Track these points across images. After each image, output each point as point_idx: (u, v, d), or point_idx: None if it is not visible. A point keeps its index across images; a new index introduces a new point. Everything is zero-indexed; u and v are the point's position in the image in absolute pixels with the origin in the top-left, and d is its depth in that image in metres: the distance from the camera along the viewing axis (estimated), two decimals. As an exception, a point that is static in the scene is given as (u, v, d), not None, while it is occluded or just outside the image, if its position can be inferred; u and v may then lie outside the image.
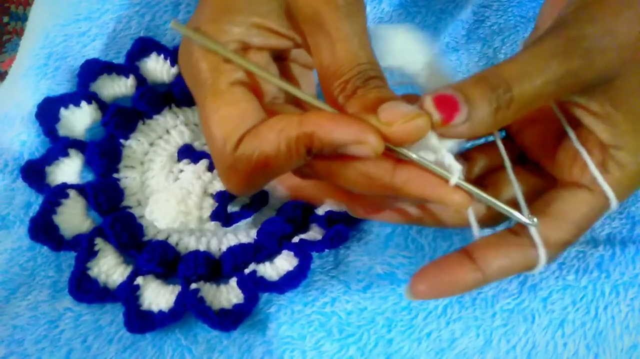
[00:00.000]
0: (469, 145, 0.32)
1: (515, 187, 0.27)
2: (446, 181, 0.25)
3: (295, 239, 0.35)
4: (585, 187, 0.27)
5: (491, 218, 0.29)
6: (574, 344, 0.30)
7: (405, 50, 0.28)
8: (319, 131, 0.24)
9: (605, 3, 0.26)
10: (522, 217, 0.27)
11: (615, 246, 0.32)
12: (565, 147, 0.29)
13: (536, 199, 0.28)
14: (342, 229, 0.34)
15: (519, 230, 0.27)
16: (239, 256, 0.34)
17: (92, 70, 0.39)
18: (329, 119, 0.24)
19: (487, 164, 0.31)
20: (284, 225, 0.35)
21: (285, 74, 0.31)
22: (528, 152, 0.31)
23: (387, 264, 0.33)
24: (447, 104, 0.24)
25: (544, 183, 0.30)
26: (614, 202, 0.27)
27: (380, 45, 0.28)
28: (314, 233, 0.35)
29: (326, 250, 0.35)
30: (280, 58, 0.31)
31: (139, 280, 0.34)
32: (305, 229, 0.35)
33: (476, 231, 0.27)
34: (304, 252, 0.34)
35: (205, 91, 0.26)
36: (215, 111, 0.26)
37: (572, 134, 0.28)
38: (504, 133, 0.32)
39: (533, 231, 0.27)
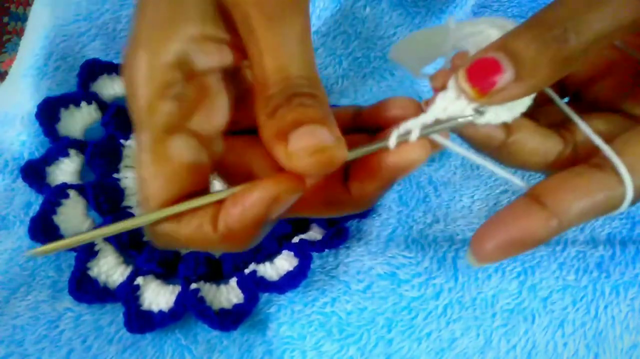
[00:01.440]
0: None
1: (580, 124, 0.24)
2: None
3: (295, 239, 0.35)
4: None
5: (568, 161, 0.25)
6: (574, 344, 0.30)
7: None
8: (233, 217, 0.21)
9: None
10: (516, 179, 0.24)
11: (615, 246, 0.32)
12: None
13: (626, 133, 0.24)
14: (342, 229, 0.34)
15: (601, 162, 0.22)
16: (239, 256, 0.34)
17: (92, 70, 0.39)
18: (234, 204, 0.21)
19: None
20: (284, 225, 0.35)
21: (242, 88, 0.26)
22: (603, 106, 0.27)
23: (387, 265, 0.33)
24: (485, 70, 0.21)
25: (628, 121, 0.26)
26: None
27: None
28: (314, 233, 0.35)
29: (326, 250, 0.35)
30: (233, 72, 0.25)
31: (139, 280, 0.34)
32: (305, 229, 0.35)
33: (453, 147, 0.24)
34: (304, 252, 0.34)
35: (139, 132, 0.22)
36: (146, 159, 0.22)
37: None
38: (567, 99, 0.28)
39: (616, 160, 0.22)
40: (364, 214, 0.36)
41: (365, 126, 0.25)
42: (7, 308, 0.34)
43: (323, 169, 0.21)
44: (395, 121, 0.23)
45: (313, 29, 0.41)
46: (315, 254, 0.35)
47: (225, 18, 0.23)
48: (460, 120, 0.22)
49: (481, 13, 0.44)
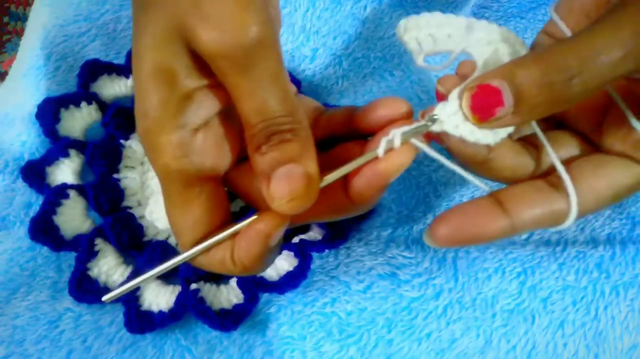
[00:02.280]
0: None
1: (548, 149, 0.26)
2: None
3: (295, 239, 0.35)
4: (638, 161, 0.26)
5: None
6: (574, 344, 0.30)
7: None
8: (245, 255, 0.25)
9: None
10: (483, 185, 0.27)
11: (615, 247, 0.32)
12: (616, 122, 0.27)
13: (585, 157, 0.27)
14: (342, 229, 0.34)
15: (557, 182, 0.26)
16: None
17: (92, 70, 0.39)
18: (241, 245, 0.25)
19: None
20: (284, 225, 0.35)
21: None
22: (568, 122, 0.29)
23: (387, 265, 0.33)
24: (488, 100, 0.23)
25: (590, 147, 0.28)
26: None
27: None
28: (314, 233, 0.35)
29: (326, 250, 0.35)
30: (229, 109, 0.27)
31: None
32: (305, 230, 0.35)
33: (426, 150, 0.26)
34: (304, 252, 0.34)
35: (161, 184, 0.26)
36: (173, 210, 0.26)
37: (631, 116, 0.26)
38: None
39: (569, 183, 0.25)
40: (364, 215, 0.36)
41: (359, 126, 0.27)
42: (7, 308, 0.34)
43: (298, 209, 0.23)
44: (386, 120, 0.26)
45: (313, 29, 0.41)
46: (315, 255, 0.35)
47: (201, 63, 0.24)
48: (420, 126, 0.25)
49: (481, 13, 0.44)
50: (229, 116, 0.26)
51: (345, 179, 0.25)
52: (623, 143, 0.27)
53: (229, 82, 0.24)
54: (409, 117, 0.26)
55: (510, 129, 0.26)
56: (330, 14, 0.41)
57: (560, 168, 0.25)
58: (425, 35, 0.27)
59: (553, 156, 0.26)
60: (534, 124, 0.27)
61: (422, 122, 0.25)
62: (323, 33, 0.41)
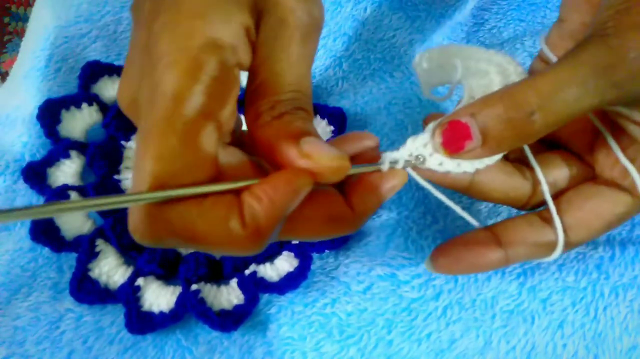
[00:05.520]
0: None
1: (540, 176, 0.28)
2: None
3: (296, 240, 0.35)
4: (626, 191, 0.28)
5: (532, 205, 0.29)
6: (573, 345, 0.31)
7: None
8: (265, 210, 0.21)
9: None
10: (472, 220, 0.29)
11: (614, 248, 0.32)
12: (605, 147, 0.29)
13: (575, 187, 0.29)
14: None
15: (549, 216, 0.28)
16: (240, 257, 0.35)
17: (93, 71, 0.39)
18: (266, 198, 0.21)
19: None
20: (285, 226, 0.35)
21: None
22: (563, 143, 0.31)
23: (387, 266, 0.33)
24: (457, 135, 0.24)
25: (583, 168, 0.30)
26: None
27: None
28: (315, 234, 0.35)
29: (326, 251, 0.35)
30: None
31: (140, 281, 0.34)
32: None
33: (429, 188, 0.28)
34: (304, 253, 0.34)
35: (166, 99, 0.21)
36: (172, 147, 0.20)
37: (617, 149, 0.28)
38: None
39: (557, 221, 0.27)
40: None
41: None
42: (8, 309, 0.34)
43: (335, 173, 0.22)
44: (360, 154, 0.27)
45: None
46: (315, 255, 0.35)
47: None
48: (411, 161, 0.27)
49: (481, 16, 0.44)
50: None
51: (344, 190, 0.26)
52: (612, 170, 0.28)
53: (281, 42, 0.24)
54: (377, 147, 0.28)
55: (498, 156, 0.27)
56: (330, 16, 0.42)
57: (551, 205, 0.28)
58: (437, 66, 0.28)
59: (545, 188, 0.28)
60: (526, 148, 0.29)
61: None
62: (323, 35, 0.42)
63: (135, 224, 0.21)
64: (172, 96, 0.21)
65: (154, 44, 0.21)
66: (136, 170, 0.21)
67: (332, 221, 0.24)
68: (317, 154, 0.22)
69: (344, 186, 0.26)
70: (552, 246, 0.28)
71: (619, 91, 0.23)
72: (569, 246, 0.28)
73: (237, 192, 0.22)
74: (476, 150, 0.24)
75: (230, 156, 0.24)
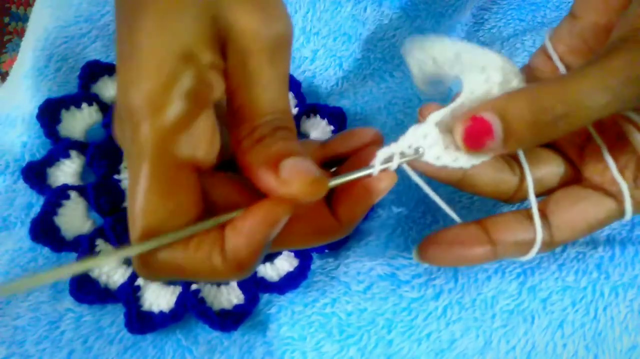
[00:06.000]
0: None
1: (527, 174, 0.28)
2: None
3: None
4: (612, 196, 0.28)
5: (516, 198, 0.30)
6: (573, 345, 0.31)
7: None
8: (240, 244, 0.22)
9: None
10: (454, 215, 0.29)
11: (614, 247, 0.32)
12: (597, 152, 0.29)
13: (563, 188, 0.29)
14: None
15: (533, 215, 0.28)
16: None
17: (93, 71, 0.39)
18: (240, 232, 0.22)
19: None
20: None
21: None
22: (554, 144, 0.31)
23: (387, 265, 0.33)
24: (479, 133, 0.24)
25: (572, 168, 0.30)
26: (628, 215, 0.28)
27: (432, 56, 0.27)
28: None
29: (326, 251, 0.35)
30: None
31: (140, 281, 0.34)
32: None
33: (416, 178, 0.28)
34: (304, 253, 0.34)
35: (142, 163, 0.22)
36: (152, 192, 0.22)
37: (612, 165, 0.28)
38: None
39: (537, 219, 0.28)
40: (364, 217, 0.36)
41: (331, 155, 0.28)
42: (8, 309, 0.34)
43: (312, 196, 0.22)
44: (360, 149, 0.27)
45: (314, 30, 0.41)
46: (315, 255, 0.35)
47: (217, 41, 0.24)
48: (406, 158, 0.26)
49: (480, 16, 0.44)
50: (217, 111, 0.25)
51: (330, 201, 0.26)
52: (601, 177, 0.29)
53: (248, 67, 0.24)
54: (379, 142, 0.27)
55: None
56: (330, 16, 0.42)
57: (534, 205, 0.28)
58: (428, 58, 0.27)
59: (531, 192, 0.28)
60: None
61: (408, 154, 0.26)
62: (323, 34, 0.42)
63: (136, 266, 0.24)
64: (149, 153, 0.22)
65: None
66: (129, 217, 0.23)
67: (319, 233, 0.25)
68: (297, 178, 0.22)
69: (332, 194, 0.26)
70: (530, 245, 0.28)
71: None
72: (552, 245, 0.28)
73: (223, 226, 0.23)
74: (496, 148, 0.24)
75: (218, 186, 0.25)
